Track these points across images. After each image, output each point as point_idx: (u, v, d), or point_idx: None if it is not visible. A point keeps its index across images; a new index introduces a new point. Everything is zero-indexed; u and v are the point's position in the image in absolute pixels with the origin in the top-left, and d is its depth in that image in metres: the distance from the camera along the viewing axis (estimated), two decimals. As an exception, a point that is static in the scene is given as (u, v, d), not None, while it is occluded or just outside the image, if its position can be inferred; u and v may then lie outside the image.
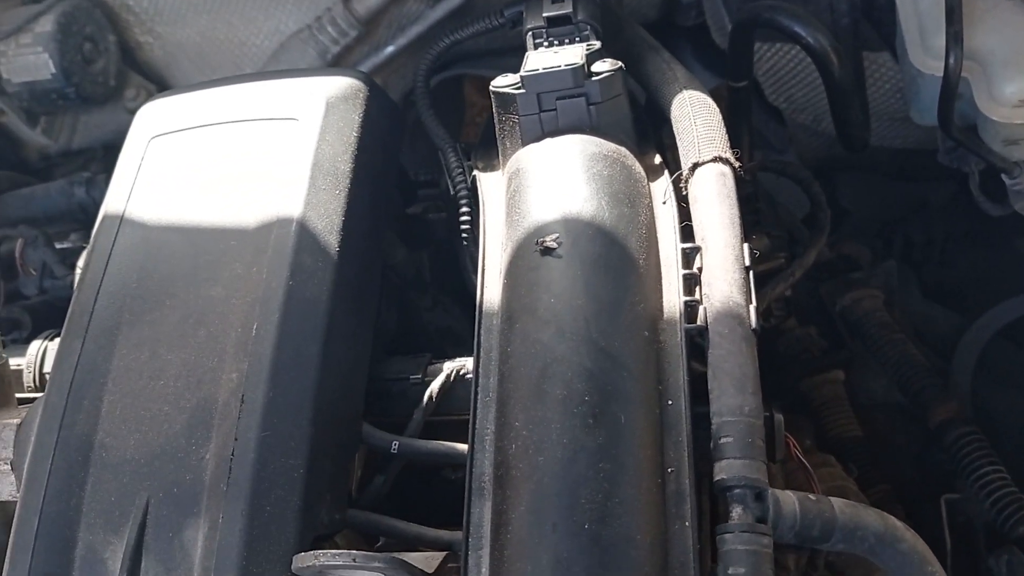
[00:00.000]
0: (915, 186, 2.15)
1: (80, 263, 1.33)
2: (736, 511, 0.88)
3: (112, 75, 1.89)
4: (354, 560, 0.84)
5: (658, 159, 1.16)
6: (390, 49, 1.84)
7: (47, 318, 1.57)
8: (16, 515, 0.99)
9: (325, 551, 0.86)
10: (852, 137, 1.52)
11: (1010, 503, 1.46)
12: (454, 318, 1.43)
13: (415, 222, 1.44)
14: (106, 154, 2.05)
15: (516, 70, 1.58)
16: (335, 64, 1.86)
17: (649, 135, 1.21)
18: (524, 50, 1.30)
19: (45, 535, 0.95)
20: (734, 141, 1.28)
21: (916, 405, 1.66)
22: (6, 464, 1.07)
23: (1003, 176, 1.37)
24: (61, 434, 1.00)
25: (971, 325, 1.89)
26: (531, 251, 1.00)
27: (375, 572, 0.86)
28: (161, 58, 1.96)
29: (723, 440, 0.90)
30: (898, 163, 2.03)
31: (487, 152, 1.26)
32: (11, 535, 0.98)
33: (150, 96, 1.95)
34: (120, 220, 1.13)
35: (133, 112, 1.95)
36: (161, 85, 1.99)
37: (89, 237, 1.61)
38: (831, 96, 1.45)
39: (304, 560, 0.87)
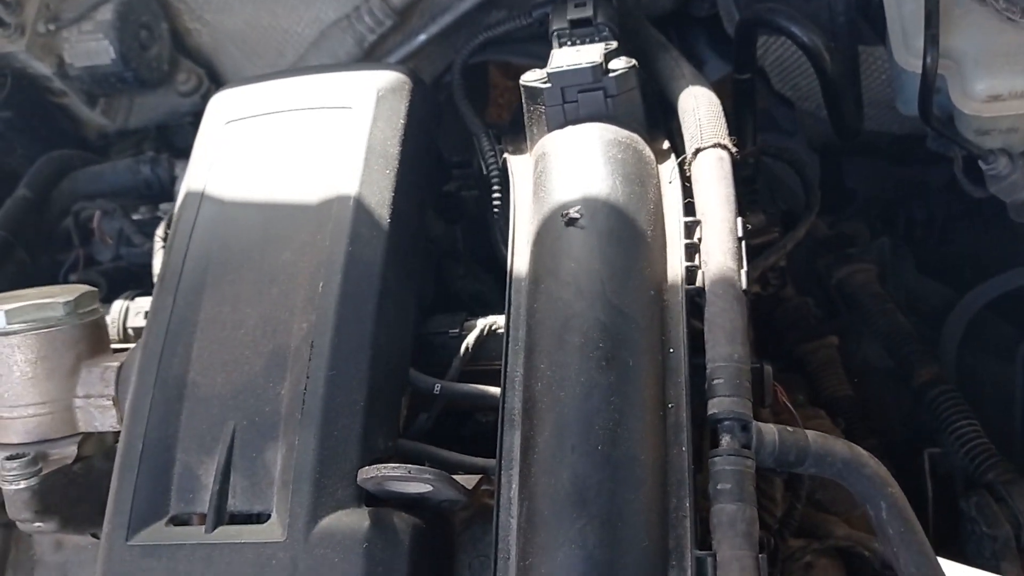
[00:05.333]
0: (916, 169, 2.25)
1: (158, 232, 1.51)
2: (725, 439, 1.04)
3: (165, 60, 2.01)
4: (408, 472, 1.03)
5: (666, 144, 1.33)
6: (422, 38, 1.96)
7: (120, 282, 1.75)
8: (121, 441, 1.17)
9: (385, 465, 1.04)
10: (845, 126, 1.67)
11: (981, 452, 1.62)
12: (484, 285, 1.60)
13: (450, 199, 1.61)
14: (159, 134, 2.18)
15: (537, 56, 1.73)
16: (371, 52, 2.02)
17: (659, 123, 1.37)
18: (543, 38, 1.45)
19: (148, 457, 1.14)
20: (739, 128, 1.42)
21: (902, 368, 1.81)
22: (108, 400, 1.25)
23: (979, 162, 1.52)
24: (159, 374, 1.18)
25: (961, 298, 2.04)
26: (556, 223, 1.18)
27: (426, 484, 1.04)
28: (209, 44, 2.08)
29: (716, 382, 1.07)
30: (896, 147, 2.15)
31: (516, 137, 1.42)
32: (117, 457, 1.16)
33: (200, 80, 2.12)
34: (201, 195, 1.31)
35: (184, 95, 2.11)
36: (209, 70, 2.09)
37: (155, 210, 1.80)
38: (824, 89, 1.60)
39: (368, 473, 1.05)
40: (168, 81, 2.04)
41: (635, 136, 1.27)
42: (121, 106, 2.12)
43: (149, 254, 1.57)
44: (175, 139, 2.19)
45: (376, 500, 1.11)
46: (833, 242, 2.03)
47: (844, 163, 2.33)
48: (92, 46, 1.92)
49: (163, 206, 1.75)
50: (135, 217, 1.77)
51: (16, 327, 1.22)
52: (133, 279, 1.74)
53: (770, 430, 1.06)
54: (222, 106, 1.41)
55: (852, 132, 1.68)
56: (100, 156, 2.10)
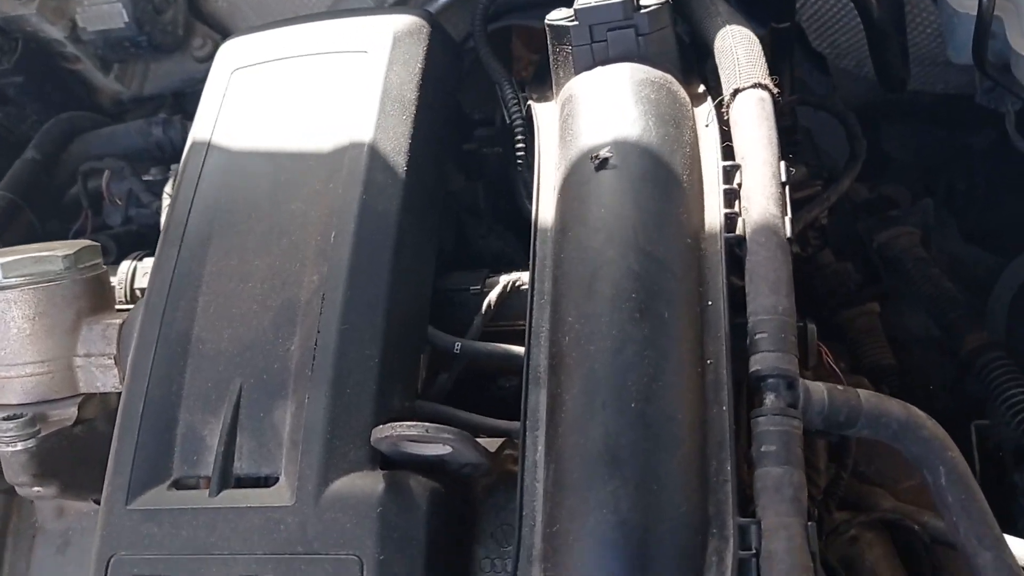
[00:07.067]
0: (957, 133, 2.18)
1: (167, 189, 1.44)
2: (769, 398, 0.96)
3: (180, 25, 1.97)
4: (426, 431, 0.95)
5: (701, 88, 1.24)
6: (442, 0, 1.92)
7: (131, 246, 1.69)
8: (122, 400, 1.11)
9: (400, 423, 0.97)
10: (890, 77, 1.58)
11: (1036, 422, 1.54)
12: (507, 243, 1.52)
13: (471, 156, 1.53)
14: (175, 101, 2.15)
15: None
16: (394, 13, 1.95)
17: (693, 68, 1.28)
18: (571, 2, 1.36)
19: (150, 416, 1.07)
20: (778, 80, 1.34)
21: (949, 335, 1.73)
22: (110, 359, 1.19)
23: (1036, 113, 1.43)
24: (162, 330, 1.11)
25: (1009, 263, 1.95)
26: (584, 167, 1.09)
27: (445, 444, 0.97)
28: (224, 8, 2.03)
29: (758, 336, 0.99)
30: (939, 108, 2.07)
31: (540, 85, 1.34)
32: (118, 417, 1.10)
33: (216, 45, 2.05)
34: (207, 144, 1.24)
35: (200, 61, 2.06)
36: (225, 35, 2.06)
37: (166, 171, 1.74)
38: (870, 37, 1.51)
39: (382, 432, 0.97)
40: (183, 46, 2.01)
41: (668, 76, 1.18)
42: (136, 72, 2.08)
43: (159, 214, 1.50)
44: (190, 106, 2.12)
45: (391, 463, 1.04)
46: (874, 205, 1.95)
47: (882, 127, 2.24)
48: (105, 9, 1.88)
49: (174, 167, 1.68)
50: (146, 179, 1.71)
51: (13, 281, 1.16)
52: (144, 242, 1.67)
53: (818, 388, 0.98)
54: (230, 53, 1.34)
55: (898, 83, 1.60)
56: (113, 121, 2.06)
